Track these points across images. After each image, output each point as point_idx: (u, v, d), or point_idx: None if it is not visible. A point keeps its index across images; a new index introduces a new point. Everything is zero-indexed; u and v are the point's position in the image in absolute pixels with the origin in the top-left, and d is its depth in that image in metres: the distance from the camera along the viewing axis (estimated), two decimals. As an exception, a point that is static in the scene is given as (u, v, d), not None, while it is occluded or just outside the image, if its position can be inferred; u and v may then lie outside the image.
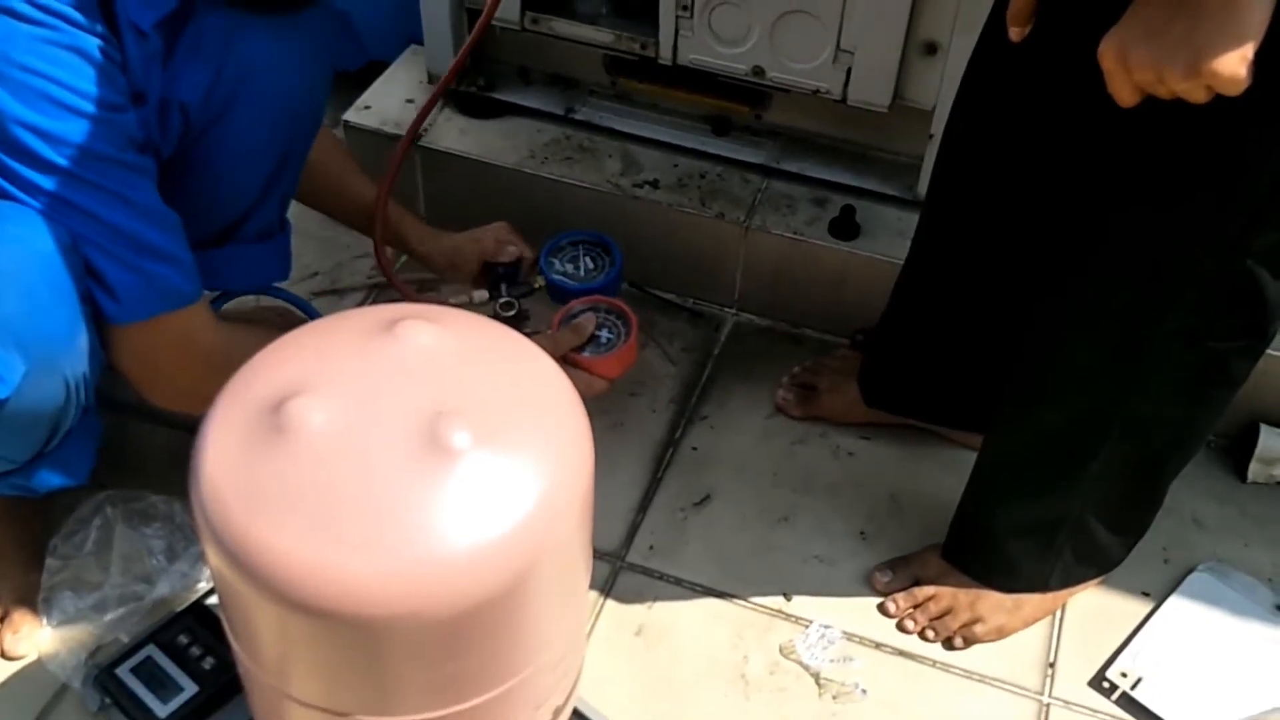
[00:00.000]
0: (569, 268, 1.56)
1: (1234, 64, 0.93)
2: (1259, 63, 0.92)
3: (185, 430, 1.30)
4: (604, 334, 1.47)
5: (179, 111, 1.26)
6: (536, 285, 1.55)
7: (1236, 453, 1.62)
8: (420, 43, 1.87)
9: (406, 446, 0.90)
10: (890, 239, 1.69)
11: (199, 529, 0.92)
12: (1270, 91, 0.95)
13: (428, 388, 0.93)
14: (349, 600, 0.87)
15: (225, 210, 1.40)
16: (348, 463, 0.89)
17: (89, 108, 1.09)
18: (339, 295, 1.80)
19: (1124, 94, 1.00)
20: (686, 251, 1.76)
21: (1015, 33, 1.16)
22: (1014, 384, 1.32)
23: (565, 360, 1.44)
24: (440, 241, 1.61)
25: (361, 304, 1.79)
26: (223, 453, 0.91)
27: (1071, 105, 1.21)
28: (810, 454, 1.62)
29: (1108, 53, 0.99)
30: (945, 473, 1.60)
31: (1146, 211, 1.12)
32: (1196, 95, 0.96)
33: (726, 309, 1.80)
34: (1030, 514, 1.37)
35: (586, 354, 1.44)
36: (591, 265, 1.56)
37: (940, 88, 1.60)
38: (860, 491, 1.58)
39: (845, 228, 1.69)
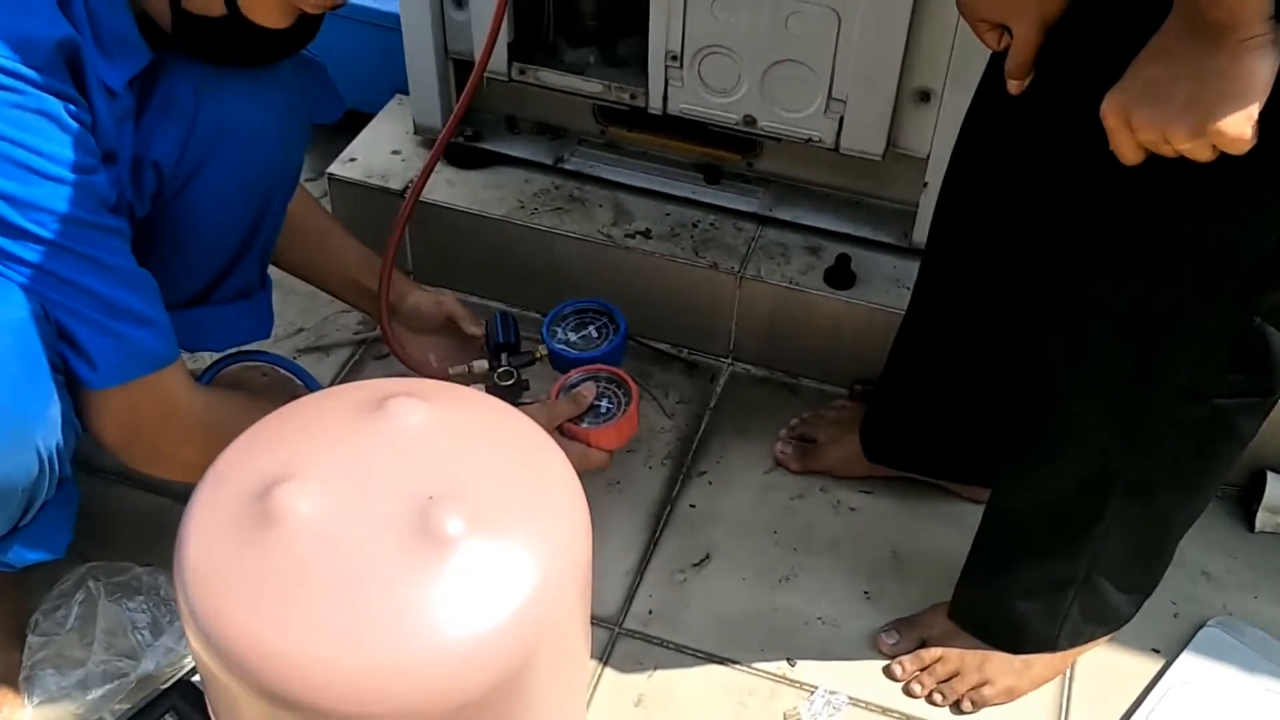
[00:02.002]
0: (571, 336, 1.53)
1: (1240, 124, 0.91)
2: (1262, 121, 0.91)
3: (166, 495, 1.27)
4: (604, 403, 1.43)
5: (152, 170, 1.24)
6: (538, 355, 1.51)
7: (1244, 502, 1.59)
8: (405, 91, 1.84)
9: (398, 534, 0.87)
10: (886, 287, 1.67)
11: (183, 619, 0.89)
12: (1272, 149, 0.93)
13: (419, 471, 0.90)
14: (340, 698, 0.83)
15: (203, 269, 1.37)
16: (337, 552, 0.86)
17: (59, 171, 1.07)
18: (325, 353, 1.77)
19: (1127, 152, 0.98)
20: (680, 302, 1.73)
21: (1014, 85, 1.14)
22: (1014, 444, 1.29)
23: (562, 431, 1.40)
24: (419, 294, 1.57)
25: (348, 361, 1.76)
26: (207, 542, 0.88)
27: (1072, 159, 1.18)
28: (810, 510, 1.59)
29: (1111, 112, 0.97)
30: (948, 527, 1.56)
31: (1149, 268, 1.09)
32: (1202, 154, 0.94)
33: (722, 359, 1.77)
34: (1037, 576, 1.34)
35: (585, 424, 1.41)
36: (595, 334, 1.53)
37: (934, 135, 1.58)
38: (862, 548, 1.55)
39: (841, 276, 1.66)
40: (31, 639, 1.36)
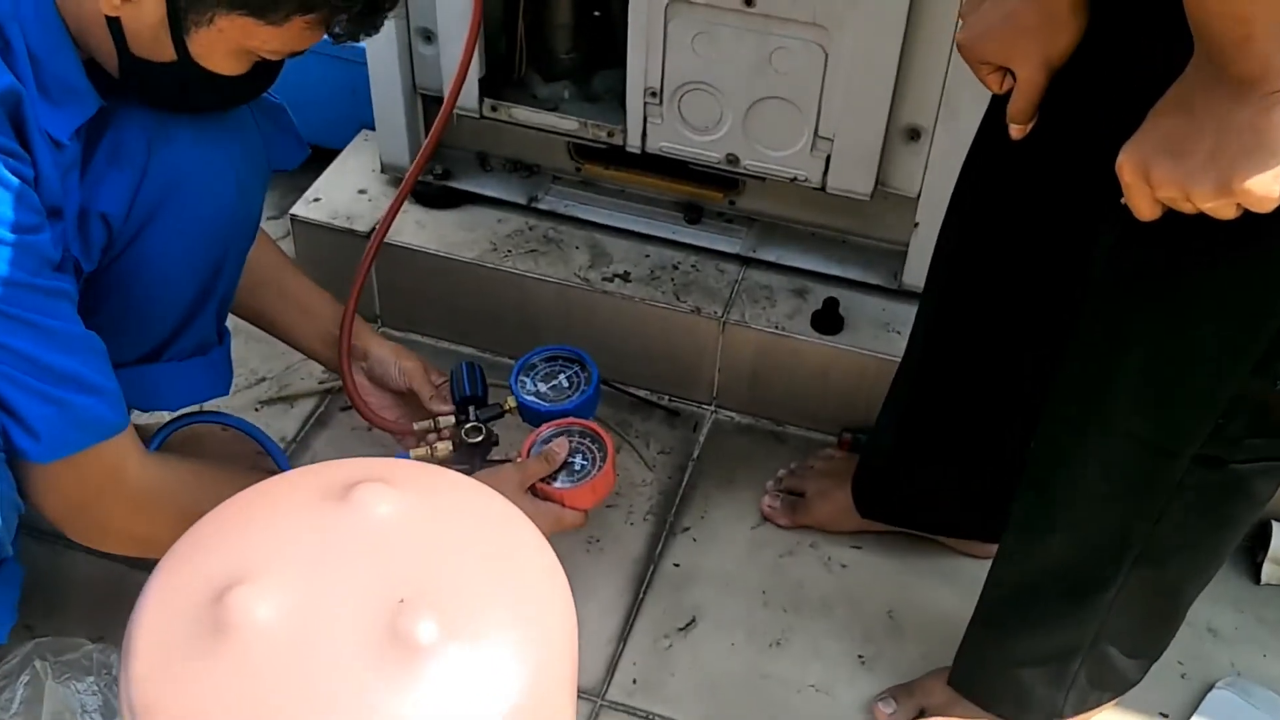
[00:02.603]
0: (541, 387, 1.45)
1: (1268, 183, 0.85)
2: None
3: (120, 561, 1.18)
4: (578, 460, 1.36)
5: (100, 222, 1.16)
6: (507, 407, 1.43)
7: (1250, 552, 1.54)
8: (372, 127, 1.76)
9: (365, 642, 0.78)
10: (875, 331, 1.60)
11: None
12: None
13: (388, 569, 0.82)
14: (303, 828, 0.75)
15: (157, 325, 1.29)
16: (298, 664, 0.78)
17: None
18: (288, 404, 1.68)
19: (1144, 209, 0.92)
20: (661, 348, 1.66)
21: (1016, 131, 1.08)
22: (1020, 510, 1.22)
23: (534, 492, 1.33)
24: (385, 347, 1.48)
25: (313, 413, 1.67)
26: (156, 655, 0.79)
27: (1080, 211, 1.12)
28: (800, 567, 1.52)
29: (1127, 166, 0.91)
30: (945, 584, 1.50)
31: (1165, 331, 1.03)
32: (1225, 213, 0.88)
33: (704, 406, 1.70)
34: (1042, 644, 1.27)
35: (558, 484, 1.34)
36: (566, 383, 1.45)
37: (925, 174, 1.51)
38: (855, 609, 1.48)
39: (829, 321, 1.59)
40: (-28, 725, 1.27)
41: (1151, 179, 0.90)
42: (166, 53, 1.06)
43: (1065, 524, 1.18)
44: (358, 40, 1.06)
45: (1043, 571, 1.23)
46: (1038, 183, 1.16)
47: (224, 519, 0.85)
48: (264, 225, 1.93)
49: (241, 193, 1.26)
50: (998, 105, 1.14)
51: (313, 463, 1.59)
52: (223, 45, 1.04)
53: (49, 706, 1.28)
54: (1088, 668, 1.29)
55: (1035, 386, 1.25)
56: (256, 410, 1.67)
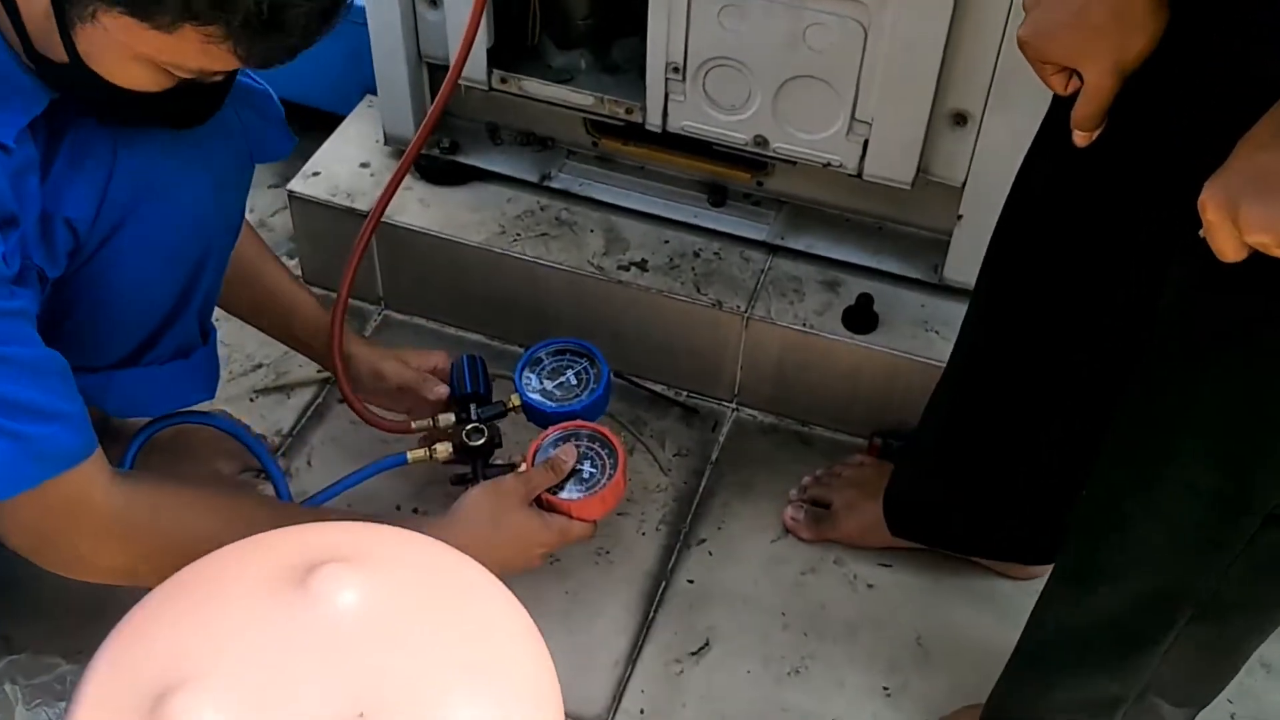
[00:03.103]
0: (548, 384, 1.35)
1: None
2: None
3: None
4: (586, 467, 1.26)
5: (65, 227, 1.06)
6: (510, 406, 1.33)
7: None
8: (376, 92, 1.64)
9: (321, 758, 0.69)
10: (911, 330, 1.48)
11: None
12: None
13: (348, 674, 0.72)
14: None
15: (134, 328, 1.20)
16: (245, 784, 0.69)
17: None
18: (285, 393, 1.59)
19: (1228, 250, 0.80)
20: (678, 341, 1.55)
21: (1080, 138, 0.96)
22: (1068, 554, 1.12)
23: (540, 503, 1.23)
24: (367, 353, 1.38)
25: (311, 404, 1.58)
26: (86, 766, 0.71)
27: (1149, 232, 1.00)
28: (823, 586, 1.42)
29: (1212, 206, 0.79)
30: (979, 608, 1.40)
31: (1245, 382, 0.91)
32: None
33: (725, 403, 1.59)
34: (1085, 693, 1.17)
35: (565, 494, 1.24)
36: (574, 381, 1.35)
37: (972, 163, 1.38)
38: (881, 634, 1.38)
39: (862, 319, 1.47)
40: (-61, 751, 1.21)
41: (1240, 220, 0.78)
42: (59, 50, 0.93)
43: (1117, 575, 1.07)
44: (271, 66, 0.91)
45: (1090, 622, 1.12)
46: (1103, 195, 1.03)
47: (166, 607, 0.75)
48: (267, 194, 1.84)
49: (220, 192, 1.15)
50: (1061, 104, 1.01)
51: (309, 461, 1.53)
52: (113, 49, 0.90)
53: (18, 735, 1.21)
54: (1130, 717, 1.19)
55: (1091, 411, 1.14)
56: (252, 400, 1.57)
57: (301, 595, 0.74)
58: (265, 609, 0.74)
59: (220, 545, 1.07)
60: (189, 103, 0.99)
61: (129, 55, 0.89)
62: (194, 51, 0.86)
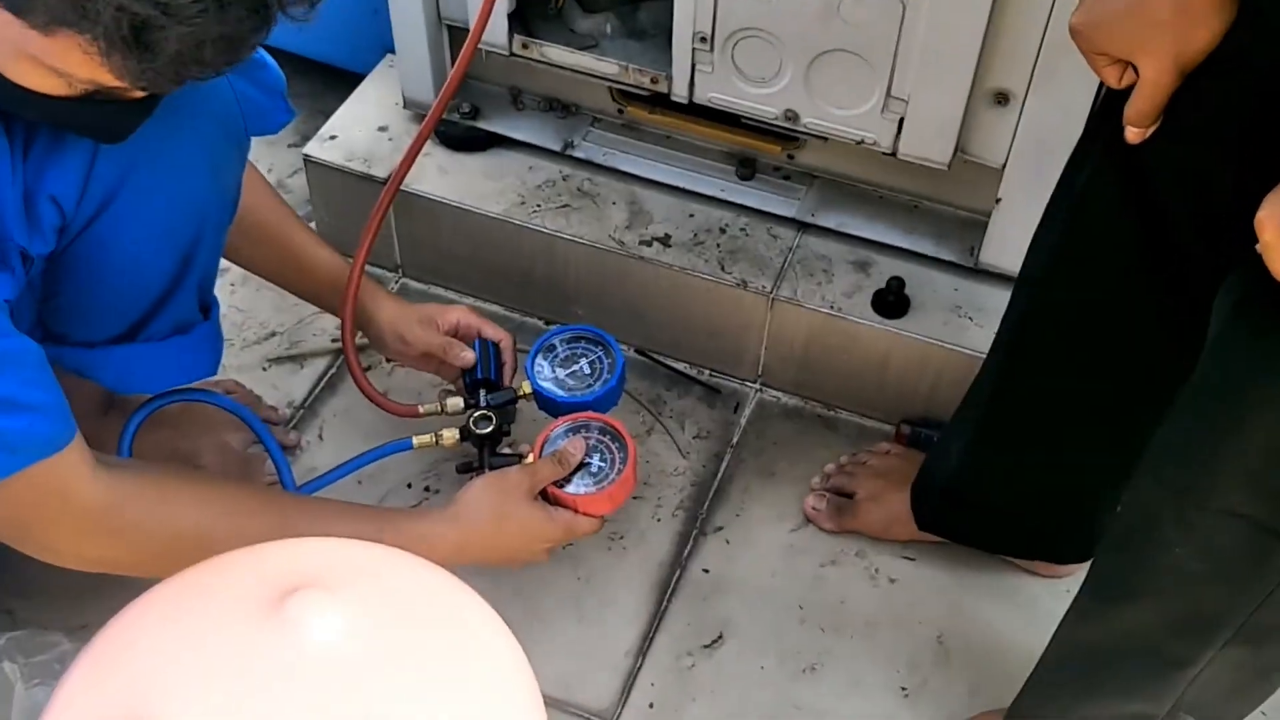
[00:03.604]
0: (560, 373, 1.30)
1: None
2: None
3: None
4: (595, 461, 1.22)
5: (50, 204, 1.02)
6: (521, 393, 1.29)
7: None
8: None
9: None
10: (944, 315, 1.42)
11: None
12: None
13: (323, 709, 0.69)
14: None
15: (128, 305, 1.17)
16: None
17: None
18: (298, 363, 1.55)
19: None
20: (701, 320, 1.50)
21: (1133, 134, 0.90)
22: (1099, 570, 1.06)
23: (545, 497, 1.19)
24: (392, 313, 1.35)
25: (324, 374, 1.54)
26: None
27: (1202, 236, 0.94)
28: (843, 579, 1.37)
29: (1271, 224, 0.74)
30: (1004, 606, 1.35)
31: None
32: None
33: (748, 384, 1.54)
34: (1110, 711, 1.12)
35: (572, 488, 1.20)
36: (587, 370, 1.31)
37: (1013, 144, 1.31)
38: (901, 631, 1.33)
39: (893, 303, 1.41)
40: (-61, 728, 1.20)
41: None
42: None
43: (1149, 596, 1.02)
44: (163, 90, 0.83)
45: (1120, 641, 1.07)
46: (1154, 199, 0.97)
47: (130, 634, 0.72)
48: (286, 153, 1.80)
49: (213, 167, 1.11)
50: (1114, 95, 0.95)
51: (320, 434, 1.50)
52: (3, 44, 0.81)
53: (18, 715, 1.20)
54: (1157, 732, 1.14)
55: (1133, 415, 1.09)
56: (265, 369, 1.54)
57: (275, 623, 0.71)
58: (235, 637, 0.71)
59: (207, 538, 1.05)
60: (107, 114, 0.89)
61: (18, 53, 0.81)
62: (79, 60, 0.78)
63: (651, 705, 1.28)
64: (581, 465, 1.22)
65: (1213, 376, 0.90)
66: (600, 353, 1.32)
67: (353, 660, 0.70)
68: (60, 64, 0.79)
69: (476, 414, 1.27)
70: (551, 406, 1.29)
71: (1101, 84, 0.96)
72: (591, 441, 1.23)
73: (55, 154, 1.00)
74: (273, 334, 1.58)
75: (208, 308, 1.24)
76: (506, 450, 1.28)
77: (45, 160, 1.00)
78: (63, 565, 1.08)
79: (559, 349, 1.33)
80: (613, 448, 1.23)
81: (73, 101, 0.84)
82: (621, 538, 1.39)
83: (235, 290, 1.60)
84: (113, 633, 0.72)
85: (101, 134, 0.95)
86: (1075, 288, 1.10)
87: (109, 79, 0.79)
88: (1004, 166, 1.34)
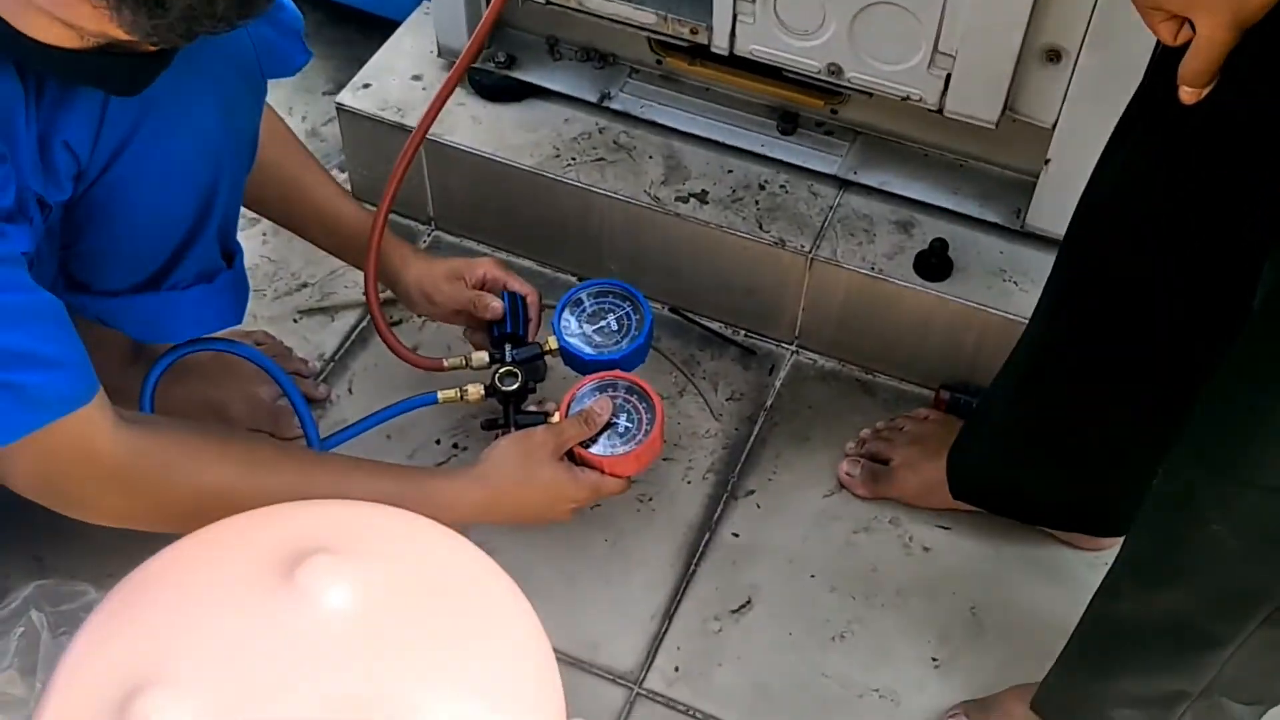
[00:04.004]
0: (587, 328, 1.28)
1: None
2: None
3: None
4: (622, 421, 1.20)
5: (64, 150, 1.01)
6: (546, 349, 1.27)
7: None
8: (435, -2, 1.56)
9: (296, 768, 0.65)
10: (988, 279, 1.38)
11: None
12: None
13: (334, 677, 0.67)
14: None
15: (148, 253, 1.16)
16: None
17: None
18: (329, 315, 1.54)
19: None
20: (737, 279, 1.46)
21: (1188, 95, 0.85)
22: (1132, 546, 1.03)
23: (571, 457, 1.18)
24: (418, 271, 1.33)
25: (355, 327, 1.53)
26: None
27: (1254, 206, 0.89)
28: (876, 547, 1.35)
29: None
30: (1040, 579, 1.32)
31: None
32: None
33: (784, 345, 1.51)
34: (1144, 688, 1.09)
35: (598, 448, 1.18)
36: (615, 326, 1.28)
37: (1064, 103, 1.26)
38: (934, 602, 1.31)
39: (935, 266, 1.37)
40: (-34, 675, 1.20)
41: None
42: None
43: (1184, 574, 0.99)
44: (171, 45, 0.80)
45: (1154, 618, 1.04)
46: (1207, 159, 0.93)
47: (141, 596, 0.71)
48: (320, 101, 1.78)
49: (228, 113, 1.09)
50: (1170, 55, 0.90)
51: (350, 388, 1.48)
52: None
53: (44, 664, 1.20)
54: (1194, 713, 1.11)
55: (1176, 387, 1.05)
56: (296, 320, 1.53)
57: (286, 589, 0.70)
58: (246, 603, 0.70)
59: (229, 494, 1.04)
60: (120, 67, 0.86)
61: (27, 4, 0.79)
62: (88, 14, 0.75)
63: (677, 669, 1.26)
64: (608, 425, 1.20)
65: (1255, 350, 0.86)
66: (628, 308, 1.29)
67: (363, 627, 0.69)
68: (69, 16, 0.77)
69: (502, 370, 1.25)
70: (577, 363, 1.27)
71: (1158, 42, 0.92)
72: (618, 401, 1.21)
73: (68, 100, 0.98)
74: (304, 285, 1.56)
75: (231, 255, 1.22)
76: (532, 408, 1.26)
77: (58, 106, 0.98)
78: (87, 520, 1.07)
79: (586, 303, 1.30)
80: (640, 408, 1.21)
81: (85, 54, 0.81)
82: (650, 499, 1.37)
83: (267, 240, 1.59)
84: (121, 597, 0.71)
85: (115, 87, 0.93)
86: (1118, 255, 1.06)
87: (119, 33, 0.77)
88: (1054, 126, 1.29)
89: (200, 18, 0.76)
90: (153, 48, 0.82)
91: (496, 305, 1.29)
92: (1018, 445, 1.25)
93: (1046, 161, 1.31)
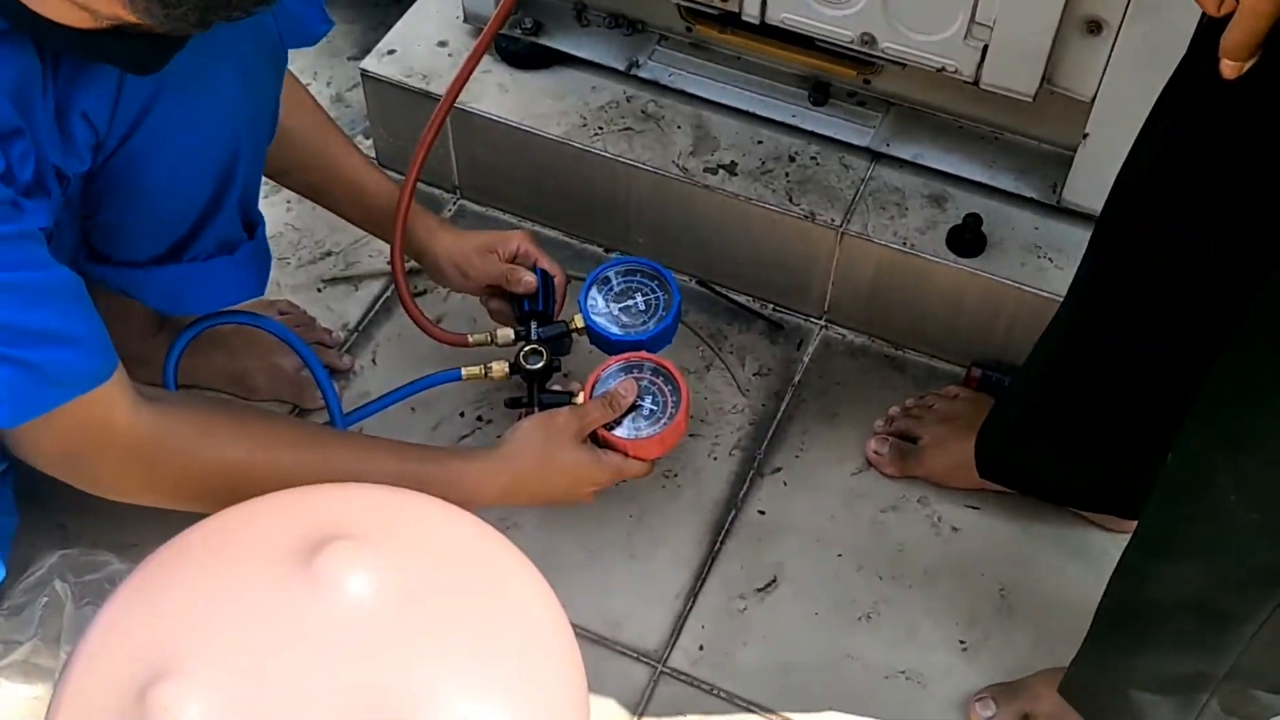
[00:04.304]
0: (614, 307, 1.26)
1: None
2: None
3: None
4: (647, 403, 1.19)
5: (83, 120, 1.00)
6: (572, 328, 1.26)
7: None
8: (459, -39, 1.53)
9: (315, 761, 0.64)
10: (1022, 255, 1.35)
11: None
12: None
13: (351, 670, 0.66)
14: None
15: (167, 225, 1.15)
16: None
17: None
18: (353, 285, 1.52)
19: None
20: (766, 253, 1.44)
21: (1229, 68, 0.82)
22: (1149, 523, 1.02)
23: (595, 440, 1.16)
24: (449, 244, 1.31)
25: (380, 297, 1.51)
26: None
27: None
28: (904, 527, 1.33)
29: None
30: (1070, 561, 1.30)
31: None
32: None
33: (813, 319, 1.48)
34: (1168, 668, 1.08)
35: (622, 431, 1.17)
36: (643, 306, 1.26)
37: (1103, 77, 1.23)
38: (962, 583, 1.29)
39: (969, 241, 1.35)
40: (-9, 644, 1.20)
41: None
42: None
43: (1202, 549, 0.97)
44: (183, 33, 0.78)
45: (1171, 595, 1.02)
46: (1248, 135, 0.90)
47: (158, 583, 0.70)
48: (345, 66, 1.76)
49: (248, 82, 1.07)
50: (1213, 28, 0.87)
51: (373, 359, 1.47)
52: None
53: (67, 634, 1.20)
54: (1221, 697, 1.09)
55: (1206, 369, 1.02)
56: (319, 290, 1.51)
57: (305, 577, 0.69)
58: (264, 591, 0.69)
59: (249, 472, 1.03)
60: (137, 47, 0.85)
61: None
62: None
63: (701, 648, 1.25)
64: (633, 407, 1.18)
65: (1266, 321, 0.84)
66: (655, 287, 1.27)
67: (383, 616, 0.68)
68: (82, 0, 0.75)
69: (527, 348, 1.23)
70: (603, 343, 1.25)
71: (1202, 15, 0.89)
72: (644, 383, 1.19)
73: (86, 71, 0.97)
74: (328, 253, 1.55)
75: (253, 226, 1.21)
76: (557, 388, 1.25)
77: (75, 77, 0.97)
78: (108, 498, 1.07)
79: (614, 282, 1.28)
80: (665, 390, 1.19)
81: (100, 33, 0.80)
82: (676, 476, 1.36)
83: (291, 208, 1.57)
84: (138, 582, 0.71)
85: (131, 66, 0.91)
86: (1155, 233, 1.03)
87: (133, 18, 0.75)
88: (1093, 99, 1.26)
89: (215, 7, 0.74)
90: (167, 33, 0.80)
91: (530, 279, 1.28)
92: (1046, 425, 1.23)
93: (1085, 135, 1.28)
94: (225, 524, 0.73)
